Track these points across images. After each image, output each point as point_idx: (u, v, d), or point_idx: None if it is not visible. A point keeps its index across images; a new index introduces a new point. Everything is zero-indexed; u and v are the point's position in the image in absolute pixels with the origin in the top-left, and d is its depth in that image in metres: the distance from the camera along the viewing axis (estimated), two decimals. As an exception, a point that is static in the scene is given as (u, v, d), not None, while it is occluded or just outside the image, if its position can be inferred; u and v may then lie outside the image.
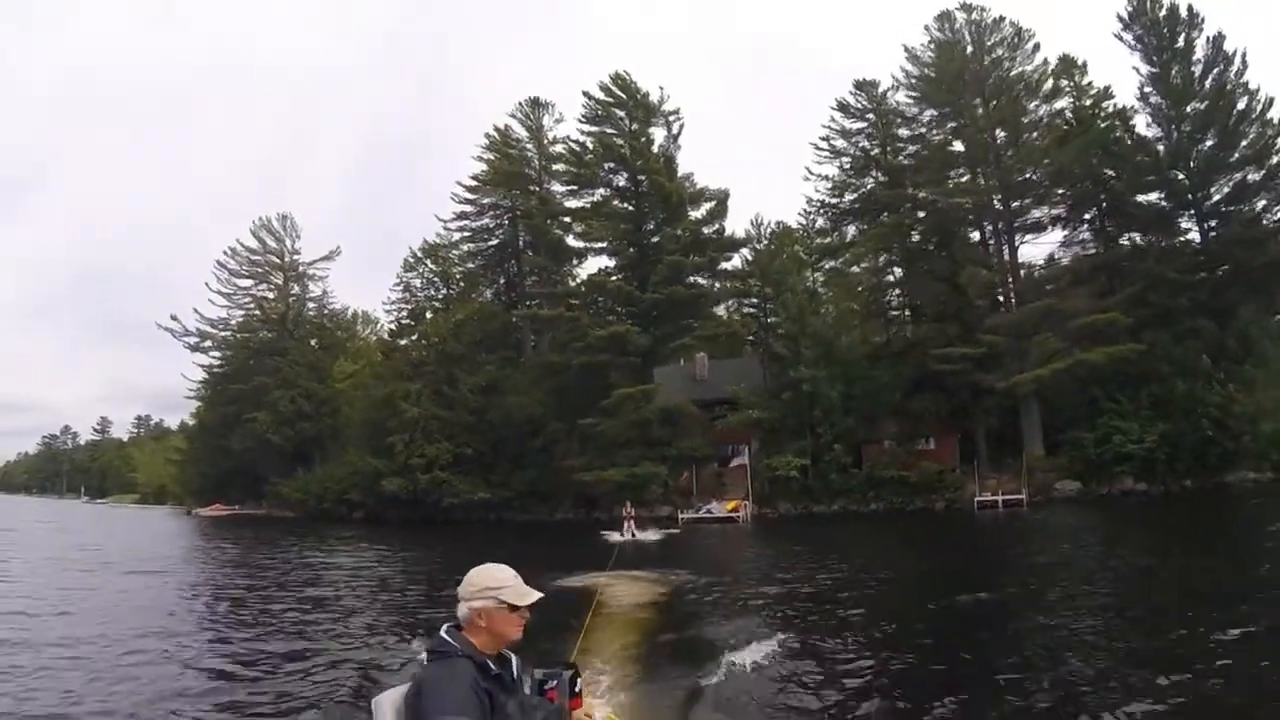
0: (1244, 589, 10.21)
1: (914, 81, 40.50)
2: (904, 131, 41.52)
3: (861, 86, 42.70)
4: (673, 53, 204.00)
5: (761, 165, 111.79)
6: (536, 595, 2.64)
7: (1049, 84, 37.94)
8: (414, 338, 46.21)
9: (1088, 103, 38.12)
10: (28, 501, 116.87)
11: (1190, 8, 36.69)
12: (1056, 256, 37.43)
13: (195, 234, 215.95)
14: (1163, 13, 37.14)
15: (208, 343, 56.37)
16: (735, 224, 49.64)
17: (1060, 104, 37.93)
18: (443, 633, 2.58)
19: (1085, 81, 39.31)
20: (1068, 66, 39.72)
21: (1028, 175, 35.85)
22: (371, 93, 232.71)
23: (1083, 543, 18.91)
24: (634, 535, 27.43)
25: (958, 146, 37.87)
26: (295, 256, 56.76)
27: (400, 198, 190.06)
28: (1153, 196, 35.61)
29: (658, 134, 40.67)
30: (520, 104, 49.76)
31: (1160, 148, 35.87)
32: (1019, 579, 13.69)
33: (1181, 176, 34.77)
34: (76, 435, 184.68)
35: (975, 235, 37.78)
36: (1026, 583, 13.02)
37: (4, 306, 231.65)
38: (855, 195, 42.10)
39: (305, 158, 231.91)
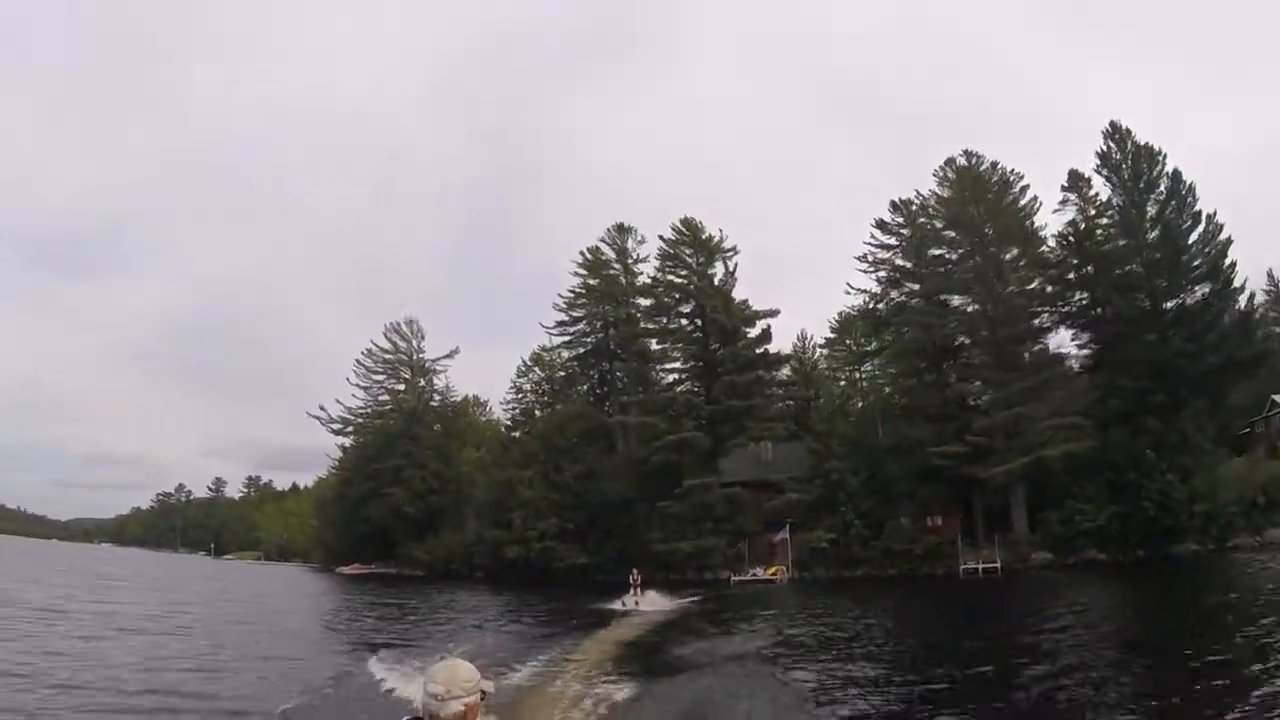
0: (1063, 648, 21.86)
1: (931, 210, 52.24)
2: (934, 251, 52.91)
3: (896, 207, 54.59)
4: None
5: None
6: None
7: (1034, 217, 49.30)
8: (526, 432, 59.70)
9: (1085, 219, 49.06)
10: (155, 557, 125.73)
11: (1150, 147, 47.77)
12: (1044, 355, 48.31)
13: (293, 292, 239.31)
14: (1130, 151, 48.29)
15: (349, 428, 71.59)
16: (788, 319, 62.67)
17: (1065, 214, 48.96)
18: None
19: (1091, 193, 50.31)
20: (1075, 181, 51.00)
21: (1021, 288, 46.96)
22: (454, 150, 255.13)
23: (1008, 594, 30.55)
24: (638, 603, 30.53)
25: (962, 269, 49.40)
26: (420, 355, 71.74)
27: (494, 245, 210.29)
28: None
29: (718, 268, 53.64)
30: (609, 229, 63.58)
31: (1132, 266, 46.64)
32: (952, 616, 25.42)
33: (1143, 297, 45.55)
34: (190, 493, 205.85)
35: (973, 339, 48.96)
36: (952, 618, 24.79)
37: (104, 361, 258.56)
38: (888, 306, 53.75)
39: (399, 213, 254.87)
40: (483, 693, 2.80)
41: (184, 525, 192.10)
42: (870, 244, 53.29)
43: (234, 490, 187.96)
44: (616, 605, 30.20)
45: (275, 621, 28.56)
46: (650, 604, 30.75)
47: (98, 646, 18.15)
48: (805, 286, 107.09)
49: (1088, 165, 49.54)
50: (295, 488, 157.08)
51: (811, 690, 13.53)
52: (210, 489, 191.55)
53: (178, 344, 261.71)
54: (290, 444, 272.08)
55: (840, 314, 58.81)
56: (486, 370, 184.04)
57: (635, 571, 34.23)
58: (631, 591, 31.62)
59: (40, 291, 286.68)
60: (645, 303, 57.97)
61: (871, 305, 54.02)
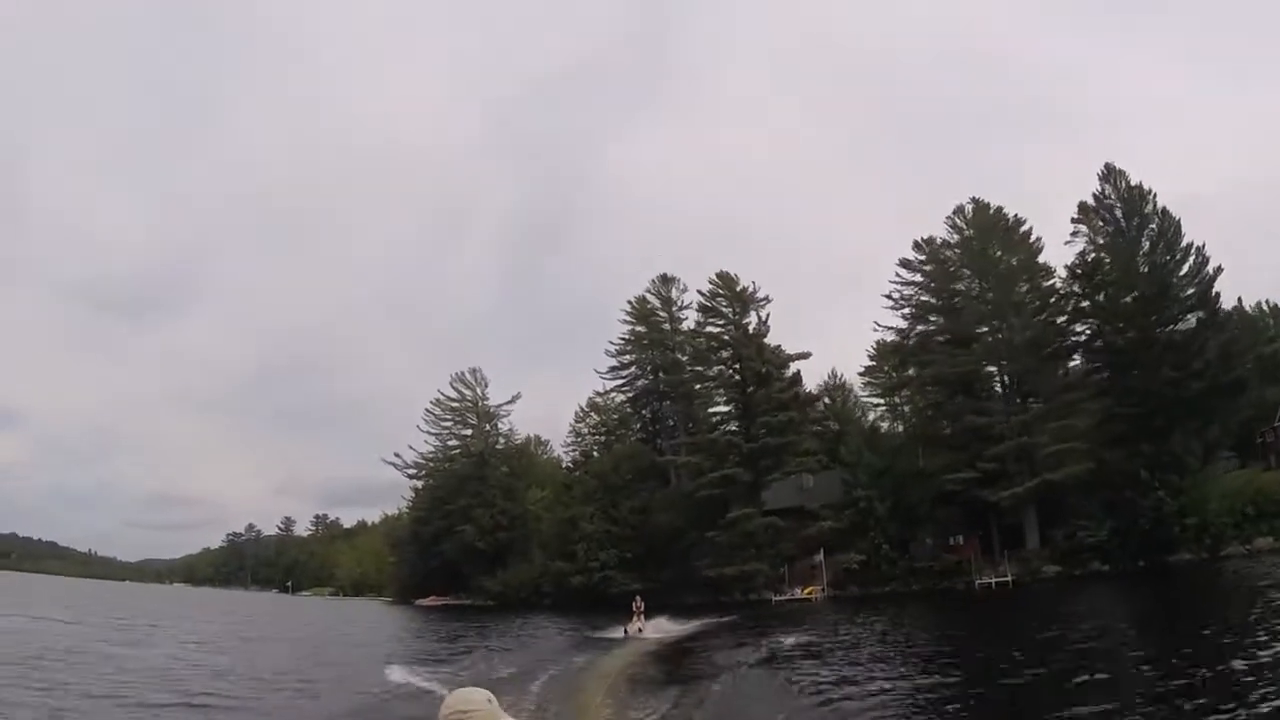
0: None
1: (948, 251, 58.49)
2: (956, 285, 58.94)
3: (919, 245, 60.87)
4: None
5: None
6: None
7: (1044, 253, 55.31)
8: (586, 471, 67.19)
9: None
10: (233, 596, 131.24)
11: (1141, 187, 53.48)
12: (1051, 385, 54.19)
13: (352, 331, 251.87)
14: (1124, 192, 54.06)
15: (423, 472, 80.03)
16: (821, 357, 69.62)
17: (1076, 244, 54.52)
18: None
19: (1100, 224, 55.59)
20: (1085, 212, 56.64)
21: (1031, 320, 52.99)
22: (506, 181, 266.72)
23: (1011, 603, 37.15)
24: (640, 630, 30.38)
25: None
26: (485, 402, 79.90)
27: (541, 272, 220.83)
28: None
29: (752, 317, 60.69)
30: (653, 280, 71.44)
31: (1126, 300, 52.37)
32: (961, 618, 31.95)
33: (1134, 330, 51.33)
34: (260, 531, 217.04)
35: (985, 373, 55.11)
36: (959, 619, 31.35)
37: (167, 405, 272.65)
38: (913, 341, 60.03)
39: (453, 249, 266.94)
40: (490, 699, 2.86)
41: (254, 564, 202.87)
42: (895, 281, 59.63)
43: (302, 528, 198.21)
44: (618, 634, 30.42)
45: (412, 640, 36.50)
46: (655, 630, 30.86)
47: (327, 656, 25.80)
48: (854, 303, 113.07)
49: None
50: (364, 524, 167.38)
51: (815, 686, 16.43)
52: (280, 528, 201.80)
53: (240, 386, 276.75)
54: (354, 480, 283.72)
55: (878, 342, 65.25)
56: (536, 392, 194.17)
57: (638, 598, 34.88)
58: (634, 619, 31.65)
59: (106, 338, 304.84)
60: (688, 350, 65.37)
61: (900, 339, 60.32)
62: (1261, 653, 14.47)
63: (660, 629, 31.41)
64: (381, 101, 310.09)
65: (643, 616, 31.58)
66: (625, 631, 30.11)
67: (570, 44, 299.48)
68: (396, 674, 20.97)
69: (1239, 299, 61.99)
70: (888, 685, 16.01)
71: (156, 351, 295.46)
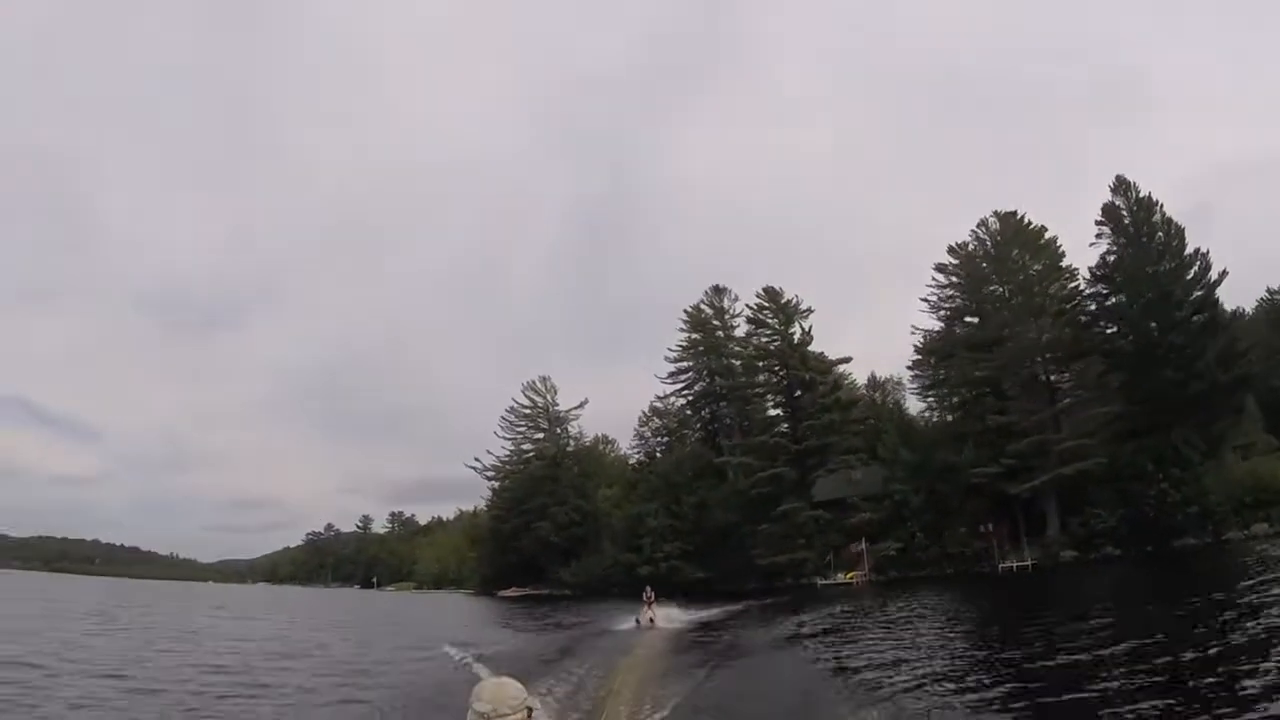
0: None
1: (978, 257, 64.86)
2: (991, 288, 65.11)
3: (952, 251, 67.36)
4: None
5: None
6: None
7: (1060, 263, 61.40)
8: (650, 471, 75.46)
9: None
10: (327, 592, 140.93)
11: (1149, 198, 59.18)
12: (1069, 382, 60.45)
13: (414, 331, 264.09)
14: (1134, 202, 59.87)
15: (500, 474, 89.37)
16: (876, 345, 76.82)
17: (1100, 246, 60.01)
18: None
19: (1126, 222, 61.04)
20: (1109, 214, 62.34)
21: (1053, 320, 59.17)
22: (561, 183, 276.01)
23: (1023, 584, 43.76)
24: (652, 621, 30.39)
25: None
26: (555, 408, 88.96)
27: (597, 269, 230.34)
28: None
29: (796, 328, 68.15)
30: (706, 291, 79.40)
31: (1134, 306, 58.13)
32: (977, 598, 38.61)
33: (1141, 333, 57.30)
34: (338, 530, 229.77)
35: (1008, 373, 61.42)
36: (976, 599, 38.46)
37: (241, 412, 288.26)
38: (947, 342, 66.59)
39: (514, 249, 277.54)
40: (529, 710, 2.99)
41: (335, 561, 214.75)
42: (931, 285, 66.11)
43: (378, 526, 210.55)
44: (629, 625, 30.57)
45: (515, 619, 44.88)
46: (667, 622, 30.88)
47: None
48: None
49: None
50: (439, 520, 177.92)
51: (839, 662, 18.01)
52: (358, 526, 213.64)
53: (308, 393, 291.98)
54: (421, 478, 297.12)
55: (920, 341, 71.68)
56: (599, 386, 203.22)
57: (649, 589, 34.90)
58: (644, 610, 31.51)
59: (181, 351, 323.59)
60: (740, 358, 73.37)
61: (937, 340, 66.92)
62: (1241, 619, 17.13)
63: (670, 619, 31.89)
64: (440, 108, 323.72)
65: (653, 607, 31.61)
66: (637, 622, 30.53)
67: (624, 44, 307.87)
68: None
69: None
70: (904, 656, 18.07)
71: (229, 362, 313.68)
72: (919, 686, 14.28)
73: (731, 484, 69.29)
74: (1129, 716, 10.70)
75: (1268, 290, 71.38)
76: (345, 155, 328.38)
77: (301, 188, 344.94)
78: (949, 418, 67.00)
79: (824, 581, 58.46)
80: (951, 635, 23.58)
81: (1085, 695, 12.39)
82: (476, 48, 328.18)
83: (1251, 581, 25.53)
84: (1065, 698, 12.66)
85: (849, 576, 57.95)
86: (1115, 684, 12.84)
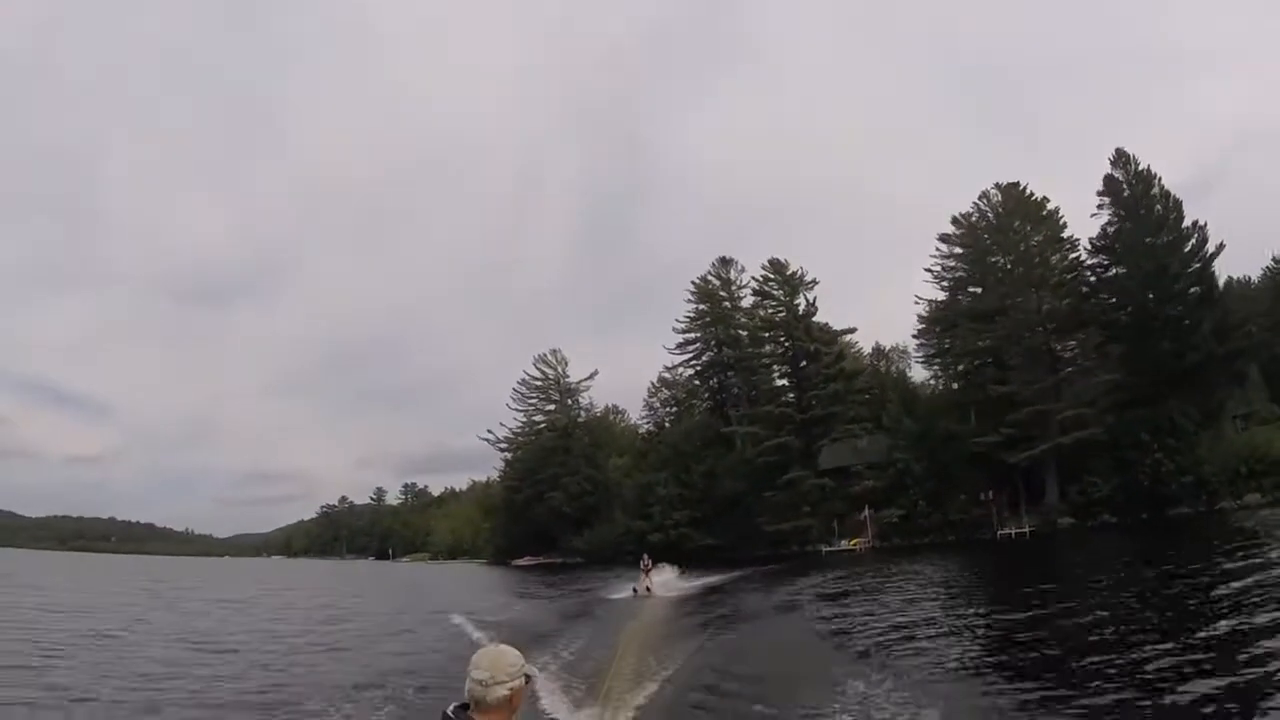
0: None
1: (981, 228, 65.83)
2: (993, 259, 66.21)
3: (957, 221, 68.39)
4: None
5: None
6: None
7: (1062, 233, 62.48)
8: (660, 440, 77.42)
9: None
10: (347, 564, 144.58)
11: (1148, 171, 59.99)
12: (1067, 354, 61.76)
13: (427, 307, 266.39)
14: (1133, 175, 60.79)
15: (513, 445, 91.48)
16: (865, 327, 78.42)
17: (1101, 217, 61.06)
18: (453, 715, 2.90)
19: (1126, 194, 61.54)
20: (1110, 185, 63.21)
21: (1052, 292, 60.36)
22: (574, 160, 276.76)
23: (1022, 551, 45.40)
24: (649, 589, 30.88)
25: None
26: (566, 379, 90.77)
27: (609, 242, 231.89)
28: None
29: (801, 300, 69.67)
30: (713, 263, 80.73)
31: (1132, 279, 59.16)
32: (970, 559, 40.65)
33: (1138, 306, 58.46)
34: (351, 503, 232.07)
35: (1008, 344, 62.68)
36: (967, 564, 40.39)
37: (252, 387, 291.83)
38: (952, 312, 67.76)
39: (524, 222, 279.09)
40: (527, 677, 2.99)
41: (349, 534, 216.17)
42: (935, 255, 67.23)
43: (391, 498, 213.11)
44: (626, 593, 31.07)
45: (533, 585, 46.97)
46: (664, 589, 31.54)
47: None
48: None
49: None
50: (452, 492, 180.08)
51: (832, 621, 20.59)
52: (372, 498, 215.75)
53: (319, 368, 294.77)
54: (433, 449, 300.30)
55: (923, 311, 72.92)
56: (609, 356, 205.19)
57: (646, 556, 35.67)
58: (642, 578, 32.13)
59: (193, 328, 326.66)
60: (746, 329, 75.09)
61: (940, 309, 68.17)
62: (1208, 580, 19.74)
63: (669, 587, 32.71)
64: (451, 81, 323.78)
65: (649, 574, 32.32)
66: (634, 590, 31.12)
67: (633, 18, 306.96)
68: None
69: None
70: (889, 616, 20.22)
71: (241, 339, 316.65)
72: (913, 646, 15.67)
73: (739, 453, 71.08)
74: (1110, 671, 12.13)
75: (1274, 259, 72.00)
76: (356, 129, 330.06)
77: (314, 166, 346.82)
78: (953, 386, 68.48)
79: (829, 548, 60.32)
80: (947, 599, 25.19)
81: (1067, 654, 13.87)
82: (488, 23, 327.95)
83: (1229, 547, 27.25)
84: (1048, 653, 14.29)
85: (853, 543, 59.75)
86: (1097, 640, 14.34)
